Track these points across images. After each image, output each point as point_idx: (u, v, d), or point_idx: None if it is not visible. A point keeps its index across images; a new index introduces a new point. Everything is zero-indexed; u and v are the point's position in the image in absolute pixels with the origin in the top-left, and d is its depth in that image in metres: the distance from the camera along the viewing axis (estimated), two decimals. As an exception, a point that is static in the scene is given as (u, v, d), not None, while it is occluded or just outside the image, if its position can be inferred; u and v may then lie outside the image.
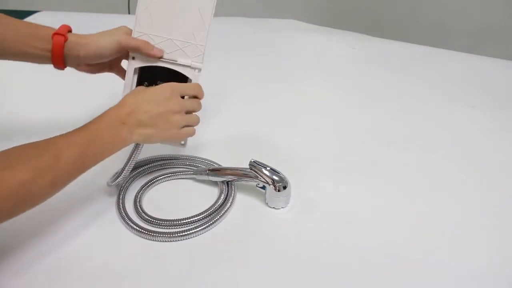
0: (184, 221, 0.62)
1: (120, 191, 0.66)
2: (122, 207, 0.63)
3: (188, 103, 0.64)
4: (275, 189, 0.63)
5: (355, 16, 1.64)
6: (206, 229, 0.61)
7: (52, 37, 0.62)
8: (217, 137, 0.78)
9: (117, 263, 0.57)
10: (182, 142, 0.69)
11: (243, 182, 0.67)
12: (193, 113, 0.65)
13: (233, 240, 0.61)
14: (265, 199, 0.66)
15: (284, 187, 0.64)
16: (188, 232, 0.60)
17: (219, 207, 0.64)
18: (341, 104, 0.94)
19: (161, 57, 0.65)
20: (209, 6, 0.65)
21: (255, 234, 0.62)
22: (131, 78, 0.67)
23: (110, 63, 0.69)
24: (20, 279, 0.54)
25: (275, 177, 0.64)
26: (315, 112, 0.91)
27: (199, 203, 0.64)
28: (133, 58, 0.66)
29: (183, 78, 0.66)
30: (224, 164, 0.72)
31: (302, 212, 0.65)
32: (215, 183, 0.69)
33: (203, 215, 0.62)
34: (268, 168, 0.64)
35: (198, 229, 0.60)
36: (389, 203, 0.67)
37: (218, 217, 0.62)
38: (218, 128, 0.79)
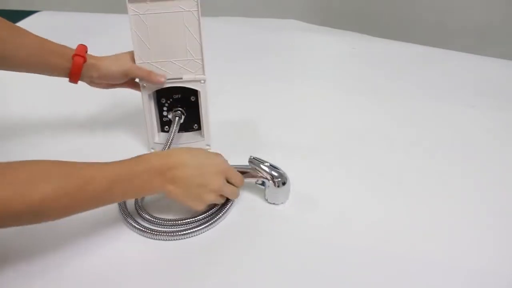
0: (186, 221, 0.62)
1: None
2: (124, 205, 0.64)
3: (227, 190, 0.62)
4: (274, 184, 0.64)
5: (355, 16, 1.63)
6: (208, 227, 0.61)
7: (73, 58, 0.66)
8: (217, 136, 0.78)
9: (118, 261, 0.57)
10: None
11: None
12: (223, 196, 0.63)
13: (234, 239, 0.61)
14: (264, 195, 0.66)
15: (284, 183, 0.64)
16: (190, 231, 0.60)
17: (220, 208, 0.64)
18: (341, 104, 0.94)
19: (164, 81, 0.70)
20: (195, 21, 0.67)
21: (256, 231, 0.62)
22: (148, 102, 0.72)
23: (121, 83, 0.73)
24: (19, 277, 0.54)
25: (274, 173, 0.64)
26: (315, 111, 0.91)
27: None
28: (144, 86, 0.71)
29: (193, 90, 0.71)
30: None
31: (302, 210, 0.65)
32: None
33: (205, 214, 0.63)
34: (267, 164, 0.65)
35: (200, 228, 0.61)
36: (389, 202, 0.67)
37: (219, 216, 0.62)
38: (218, 127, 0.79)
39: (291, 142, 0.81)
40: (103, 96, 0.77)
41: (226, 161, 0.64)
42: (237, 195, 0.64)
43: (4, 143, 0.75)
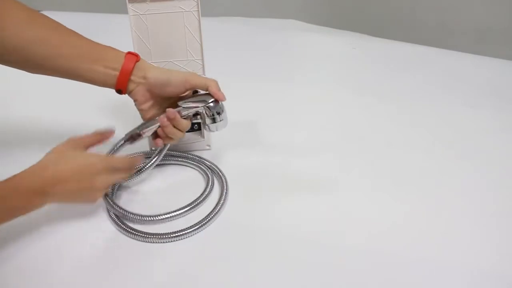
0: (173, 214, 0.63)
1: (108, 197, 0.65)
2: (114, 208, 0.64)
3: (115, 179, 0.62)
4: (209, 112, 0.63)
5: (355, 16, 1.63)
6: (200, 228, 0.61)
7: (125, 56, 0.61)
8: (217, 136, 0.78)
9: (102, 262, 0.58)
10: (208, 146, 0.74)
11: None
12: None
13: (228, 239, 0.61)
14: (207, 127, 0.66)
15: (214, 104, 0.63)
16: (182, 233, 0.60)
17: (206, 196, 0.66)
18: (341, 103, 0.94)
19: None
20: (195, 21, 0.67)
21: (251, 231, 0.62)
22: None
23: (161, 102, 0.65)
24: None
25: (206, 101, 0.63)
26: (314, 111, 0.91)
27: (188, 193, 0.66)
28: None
29: None
30: (223, 164, 0.72)
31: (302, 210, 0.65)
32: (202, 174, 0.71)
33: (195, 203, 0.64)
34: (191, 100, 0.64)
35: (193, 229, 0.61)
36: (389, 202, 0.67)
37: (212, 215, 0.63)
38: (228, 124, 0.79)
39: (291, 142, 0.81)
40: (103, 97, 0.77)
41: (100, 155, 0.61)
42: (128, 177, 0.64)
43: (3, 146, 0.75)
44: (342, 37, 1.26)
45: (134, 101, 0.64)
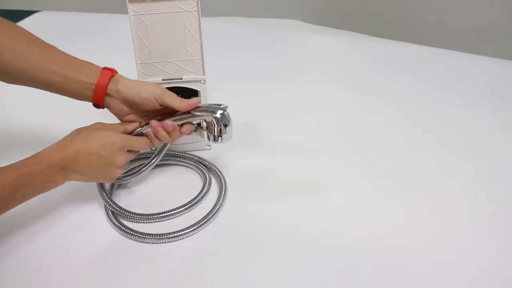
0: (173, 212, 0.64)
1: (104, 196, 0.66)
2: (112, 207, 0.64)
3: (131, 156, 0.63)
4: (217, 124, 0.62)
5: (355, 16, 1.63)
6: (199, 229, 0.62)
7: (101, 71, 0.62)
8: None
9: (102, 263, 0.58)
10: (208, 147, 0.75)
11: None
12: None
13: (227, 239, 0.61)
14: (208, 138, 0.65)
15: (223, 114, 0.62)
16: (181, 233, 0.60)
17: (204, 195, 0.66)
18: (340, 104, 0.94)
19: (196, 108, 0.64)
20: (195, 21, 0.67)
21: (250, 230, 0.62)
22: None
23: (140, 113, 0.65)
24: None
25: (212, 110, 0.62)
26: (314, 111, 0.91)
27: (187, 193, 0.66)
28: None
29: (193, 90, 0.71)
30: (223, 164, 0.72)
31: (301, 210, 0.65)
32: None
33: (191, 203, 0.65)
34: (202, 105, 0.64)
35: (191, 229, 0.61)
36: (389, 202, 0.67)
37: (210, 216, 0.63)
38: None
39: (291, 142, 0.81)
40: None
41: (122, 134, 0.62)
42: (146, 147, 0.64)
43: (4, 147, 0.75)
44: (342, 37, 1.26)
45: (114, 114, 0.65)
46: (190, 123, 0.64)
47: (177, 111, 0.64)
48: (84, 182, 0.61)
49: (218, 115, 0.62)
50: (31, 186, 0.55)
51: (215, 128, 0.63)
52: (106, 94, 0.62)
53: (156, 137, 0.63)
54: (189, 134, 0.65)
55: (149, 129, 0.63)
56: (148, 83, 0.63)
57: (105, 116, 0.65)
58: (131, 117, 0.64)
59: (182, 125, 0.63)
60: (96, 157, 0.58)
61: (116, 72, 0.63)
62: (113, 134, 0.61)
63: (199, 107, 0.64)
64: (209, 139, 0.64)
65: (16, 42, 0.60)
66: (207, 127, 0.64)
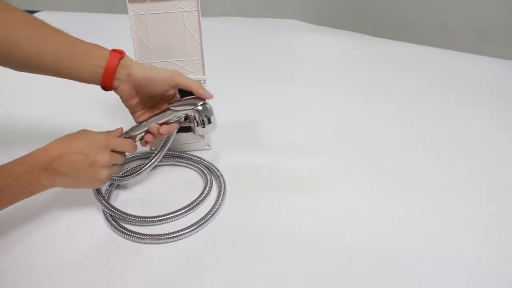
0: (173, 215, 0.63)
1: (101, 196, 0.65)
2: (109, 208, 0.64)
3: (117, 158, 0.63)
4: (199, 114, 0.64)
5: (355, 16, 1.63)
6: (198, 229, 0.62)
7: (110, 53, 0.61)
8: (217, 136, 0.78)
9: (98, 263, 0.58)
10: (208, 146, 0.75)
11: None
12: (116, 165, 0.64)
13: (226, 240, 0.61)
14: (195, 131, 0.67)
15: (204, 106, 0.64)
16: (180, 234, 0.60)
17: (205, 197, 0.66)
18: (340, 104, 0.94)
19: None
20: (195, 21, 0.67)
21: (250, 230, 0.62)
22: None
23: (151, 102, 0.66)
24: None
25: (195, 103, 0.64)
26: (314, 111, 0.91)
27: (187, 194, 0.66)
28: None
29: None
30: (222, 164, 0.73)
31: (301, 210, 0.65)
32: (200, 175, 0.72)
33: (192, 205, 0.65)
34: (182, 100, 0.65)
35: (190, 230, 0.61)
36: (389, 202, 0.67)
37: (209, 216, 0.63)
38: (218, 127, 0.79)
39: (291, 142, 0.81)
40: (101, 97, 0.77)
41: (109, 134, 0.63)
42: (123, 159, 0.64)
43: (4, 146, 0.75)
44: (342, 37, 1.26)
45: (120, 97, 0.64)
46: (172, 121, 0.65)
47: (170, 105, 0.65)
48: (72, 188, 0.60)
49: (199, 107, 0.63)
50: (15, 187, 0.54)
51: (198, 120, 0.64)
52: (115, 77, 0.61)
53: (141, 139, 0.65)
54: (171, 131, 0.66)
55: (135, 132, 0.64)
56: (160, 68, 0.65)
57: (105, 114, 0.65)
58: (135, 102, 0.64)
59: (163, 123, 0.65)
60: (79, 156, 0.57)
61: (125, 53, 0.62)
62: (97, 133, 0.61)
63: (180, 101, 0.65)
64: (195, 132, 0.66)
65: (21, 28, 0.59)
66: (189, 121, 0.66)
